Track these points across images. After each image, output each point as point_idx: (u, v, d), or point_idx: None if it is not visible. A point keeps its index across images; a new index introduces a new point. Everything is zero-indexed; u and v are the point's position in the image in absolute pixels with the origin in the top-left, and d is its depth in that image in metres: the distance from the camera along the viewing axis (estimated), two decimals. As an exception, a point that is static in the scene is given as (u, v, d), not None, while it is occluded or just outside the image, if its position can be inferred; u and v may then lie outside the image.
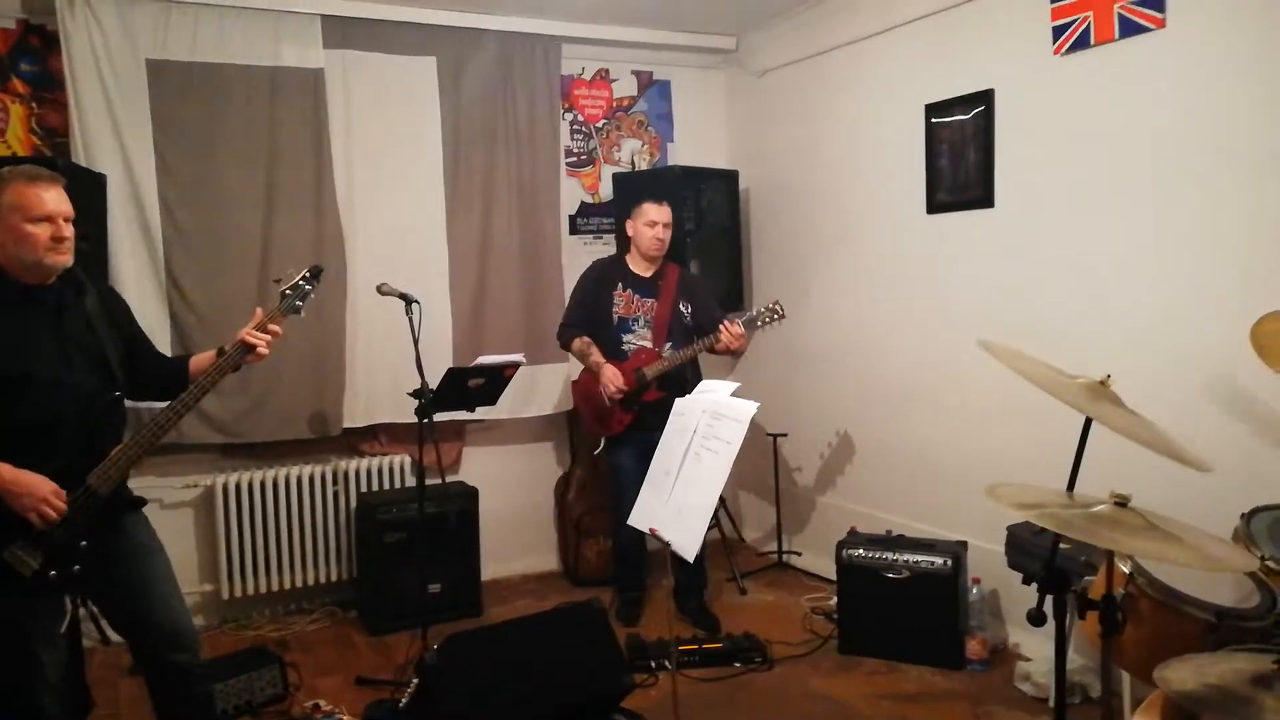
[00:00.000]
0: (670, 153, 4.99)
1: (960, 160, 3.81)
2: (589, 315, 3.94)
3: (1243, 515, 2.23)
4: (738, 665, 3.53)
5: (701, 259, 4.60)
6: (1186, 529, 1.70)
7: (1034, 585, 1.94)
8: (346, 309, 4.13)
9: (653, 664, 3.47)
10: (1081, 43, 3.29)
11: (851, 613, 3.67)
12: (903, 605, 3.53)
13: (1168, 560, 1.65)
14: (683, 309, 3.94)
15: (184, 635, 2.45)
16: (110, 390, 2.33)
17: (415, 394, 3.30)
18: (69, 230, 2.23)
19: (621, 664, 2.84)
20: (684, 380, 3.75)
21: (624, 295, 3.93)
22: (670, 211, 3.88)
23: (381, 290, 3.28)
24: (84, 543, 2.23)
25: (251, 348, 2.38)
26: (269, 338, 2.40)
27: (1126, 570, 1.96)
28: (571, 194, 4.75)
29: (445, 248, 4.35)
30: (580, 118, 4.77)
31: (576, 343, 3.92)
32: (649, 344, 3.89)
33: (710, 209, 4.65)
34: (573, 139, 4.75)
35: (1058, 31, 3.36)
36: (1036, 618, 1.89)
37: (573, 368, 4.28)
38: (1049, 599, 1.92)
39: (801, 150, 4.63)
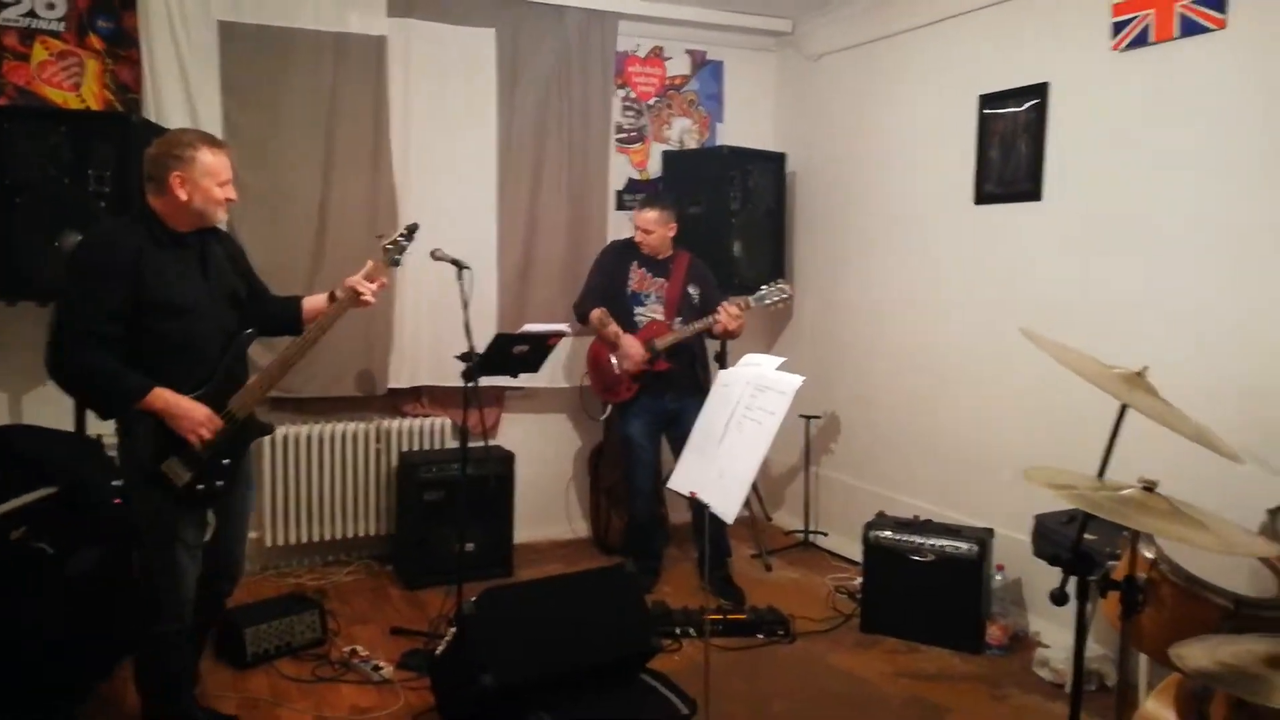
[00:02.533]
0: (719, 133, 5.04)
1: (1011, 152, 3.82)
2: (605, 289, 4.11)
3: (1269, 511, 2.27)
4: (760, 637, 3.62)
5: (745, 239, 4.65)
6: (1210, 516, 1.75)
7: (1059, 568, 2.01)
8: (396, 273, 4.23)
9: (678, 630, 3.56)
10: (1141, 40, 3.29)
11: (875, 593, 3.73)
12: (926, 588, 3.59)
13: (1190, 543, 1.70)
14: (691, 291, 4.09)
15: (238, 569, 2.78)
16: (245, 326, 2.61)
17: (462, 357, 3.40)
18: (234, 192, 2.54)
19: (650, 627, 2.93)
20: (692, 355, 4.02)
21: (638, 272, 4.10)
22: (656, 216, 4.01)
23: (435, 256, 3.37)
24: (226, 461, 2.53)
25: (359, 295, 2.64)
26: (375, 287, 2.67)
27: (1150, 556, 2.01)
28: (620, 170, 4.82)
29: (495, 216, 4.45)
30: (633, 94, 4.83)
31: (595, 313, 4.07)
32: (661, 317, 4.03)
33: (756, 190, 4.70)
34: (624, 115, 4.81)
35: (1117, 27, 3.36)
36: (1059, 597, 1.95)
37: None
38: (1072, 581, 1.98)
39: (851, 136, 4.66)
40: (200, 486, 2.50)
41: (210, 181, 2.45)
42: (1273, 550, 1.80)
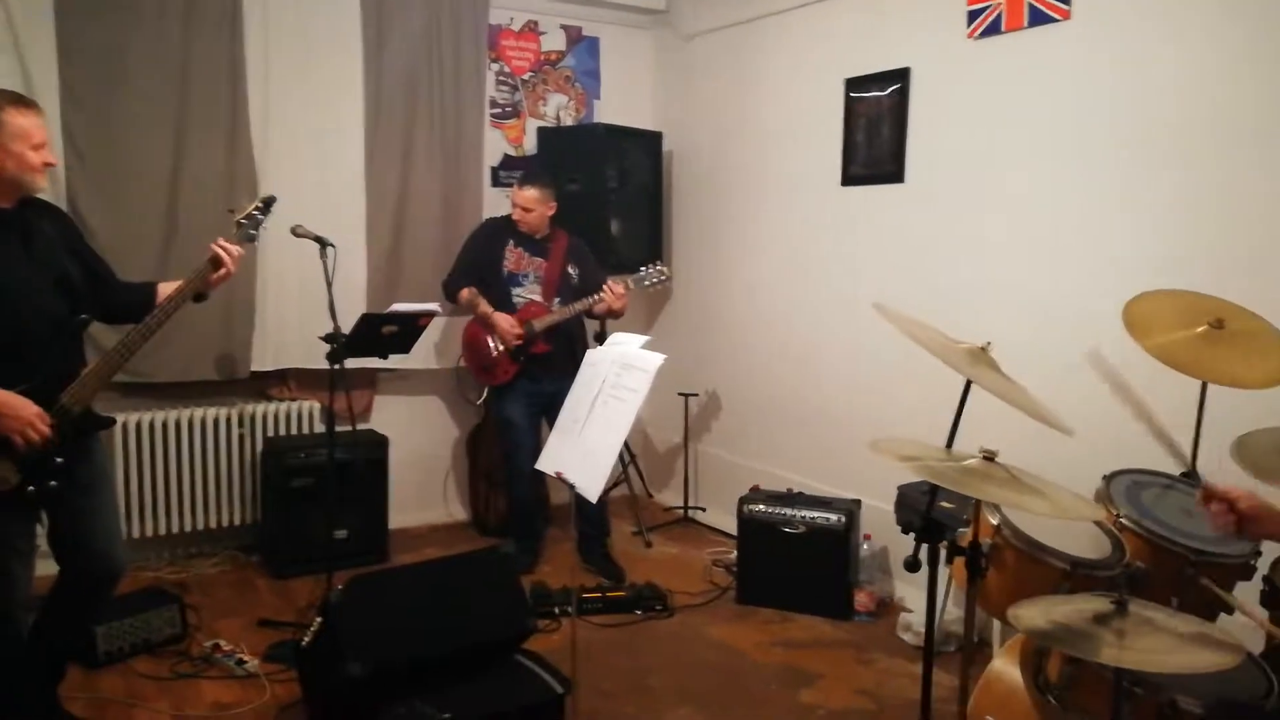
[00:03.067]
0: (596, 110, 5.01)
1: (875, 135, 3.93)
2: (477, 269, 4.03)
3: (1104, 477, 2.42)
4: (639, 613, 3.66)
5: (623, 218, 4.65)
6: (1047, 484, 1.85)
7: (913, 535, 2.09)
8: (257, 250, 4.04)
9: (556, 610, 3.57)
10: (994, 29, 3.43)
11: (750, 565, 3.83)
12: (798, 559, 3.71)
13: (1027, 510, 1.80)
14: (570, 271, 4.07)
15: (118, 569, 2.59)
16: (78, 312, 2.40)
17: (327, 338, 3.29)
18: (52, 155, 2.33)
19: (525, 608, 2.91)
20: (572, 337, 3.98)
21: (514, 252, 4.03)
22: (536, 194, 3.94)
23: (296, 232, 3.24)
24: (59, 460, 2.32)
25: (219, 262, 2.48)
26: (238, 251, 2.52)
27: (995, 522, 2.12)
28: (495, 145, 4.73)
29: (363, 192, 4.30)
30: (507, 69, 4.74)
31: (464, 293, 4.01)
32: (539, 298, 3.99)
33: (634, 169, 4.70)
34: (498, 90, 4.72)
35: (972, 16, 3.50)
36: (912, 564, 2.03)
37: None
38: (924, 548, 2.07)
39: (725, 116, 4.70)
40: (31, 488, 2.29)
41: (22, 145, 2.24)
42: (1103, 514, 1.92)
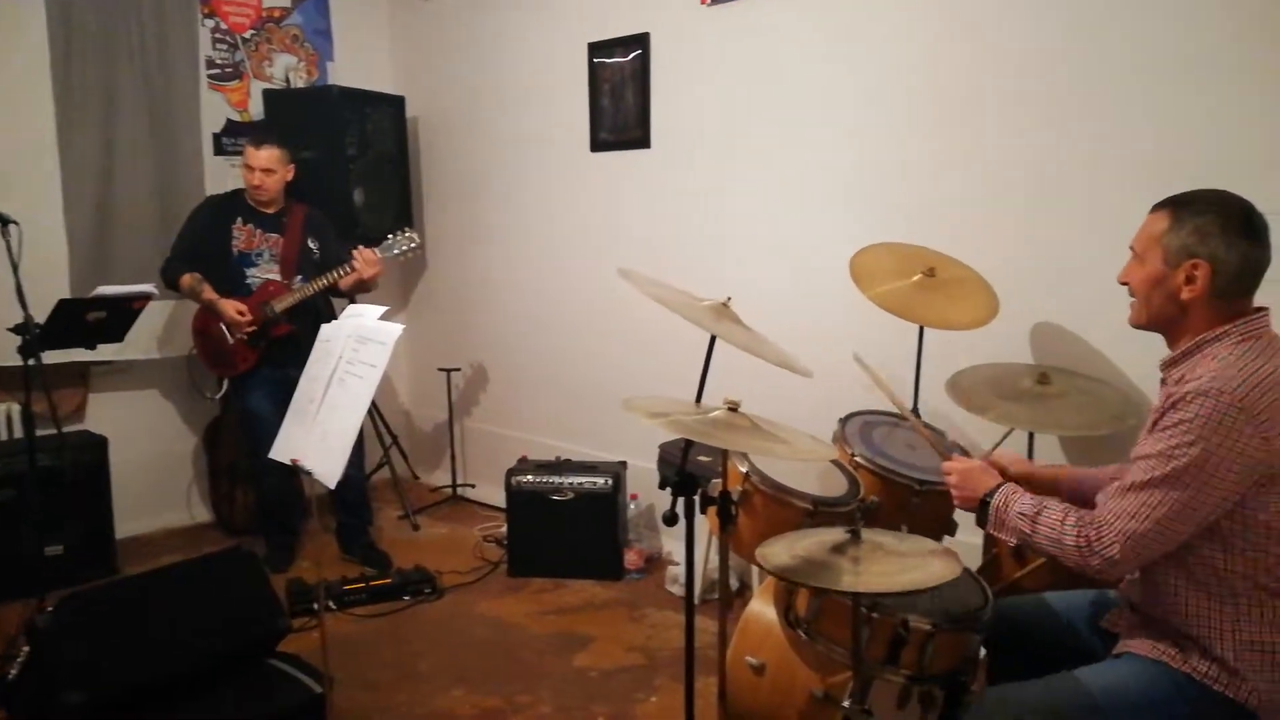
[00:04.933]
0: (330, 72, 4.69)
1: (621, 101, 3.95)
2: (199, 251, 3.68)
3: (840, 419, 2.58)
4: (406, 599, 3.52)
5: (366, 187, 4.39)
6: (786, 429, 1.93)
7: (670, 490, 2.12)
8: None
9: (315, 606, 3.34)
10: (726, -6, 3.53)
11: (520, 537, 3.78)
12: (568, 525, 3.71)
13: (769, 454, 1.86)
14: (311, 245, 3.80)
15: None
16: None
17: (17, 329, 2.87)
18: None
19: (275, 608, 2.69)
20: (318, 315, 3.67)
21: (244, 230, 3.71)
22: (275, 155, 3.65)
23: (-34, 208, 2.79)
24: None
25: None
26: None
27: (744, 470, 2.19)
28: (216, 110, 4.30)
29: (57, 163, 3.77)
30: (224, 25, 4.31)
31: (185, 279, 3.65)
32: (277, 277, 3.71)
33: (375, 134, 4.44)
34: (215, 48, 4.29)
35: (704, -18, 3.58)
36: (669, 518, 2.05)
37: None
38: (681, 501, 2.11)
39: (471, 80, 4.56)
40: None
41: None
42: (832, 453, 2.04)
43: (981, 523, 1.81)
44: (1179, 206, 1.63)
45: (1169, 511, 1.53)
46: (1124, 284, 1.73)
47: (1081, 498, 1.92)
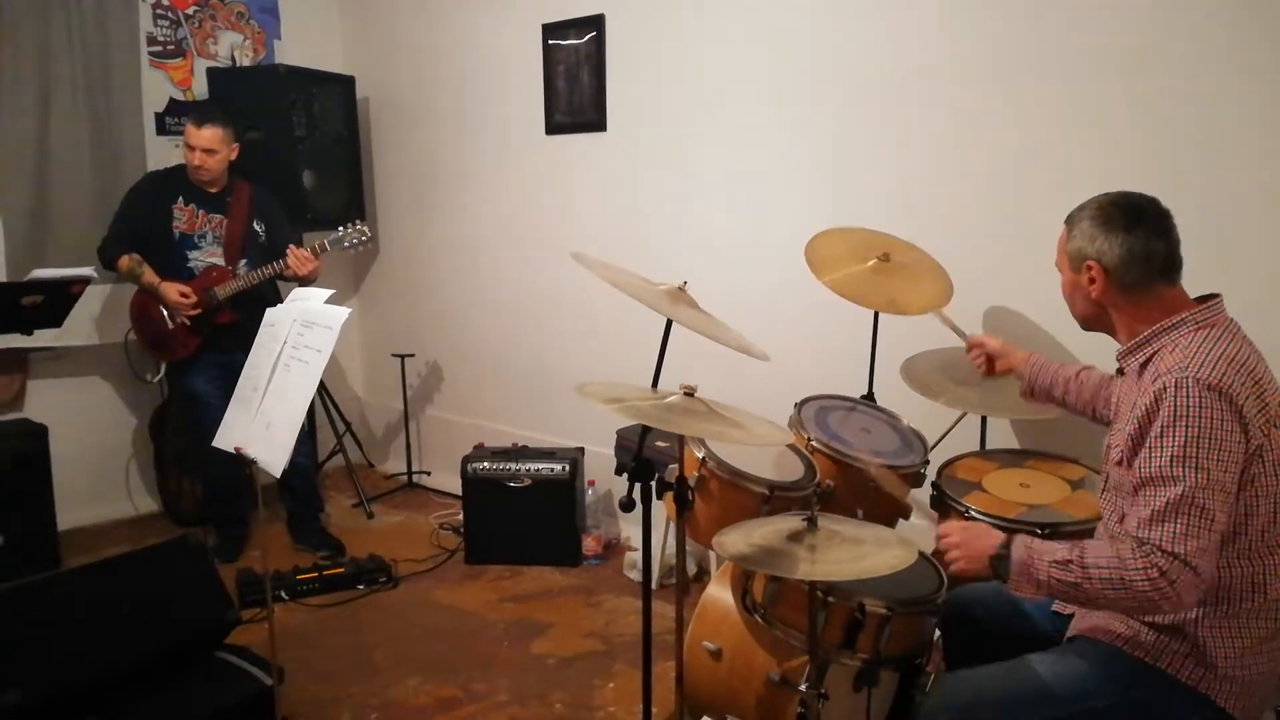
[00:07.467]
0: (277, 50, 4.56)
1: (576, 83, 3.90)
2: (138, 232, 3.55)
3: (796, 404, 2.58)
4: (361, 588, 3.47)
5: (316, 169, 4.29)
6: (742, 414, 1.93)
7: (626, 476, 2.10)
8: None
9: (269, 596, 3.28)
10: (683, -26, 3.49)
11: (477, 524, 3.75)
12: (525, 512, 3.68)
13: (726, 440, 1.86)
14: (257, 228, 3.68)
15: None
16: None
17: (-54, 315, 2.75)
18: None
19: (222, 599, 2.63)
20: (264, 300, 3.56)
21: (186, 210, 3.57)
22: (218, 135, 3.50)
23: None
24: None
25: None
26: None
27: (700, 455, 2.18)
28: (159, 89, 4.17)
29: (-12, 141, 3.63)
30: (165, 1, 4.17)
31: (123, 260, 3.52)
32: (221, 261, 3.60)
33: (324, 116, 4.34)
34: (156, 25, 4.15)
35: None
36: (627, 504, 2.04)
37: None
38: (638, 487, 2.09)
39: (423, 62, 4.47)
40: None
41: None
42: (787, 438, 2.04)
43: (1000, 578, 1.59)
44: (1071, 217, 1.74)
45: (1208, 502, 1.48)
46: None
47: (1042, 390, 2.11)
